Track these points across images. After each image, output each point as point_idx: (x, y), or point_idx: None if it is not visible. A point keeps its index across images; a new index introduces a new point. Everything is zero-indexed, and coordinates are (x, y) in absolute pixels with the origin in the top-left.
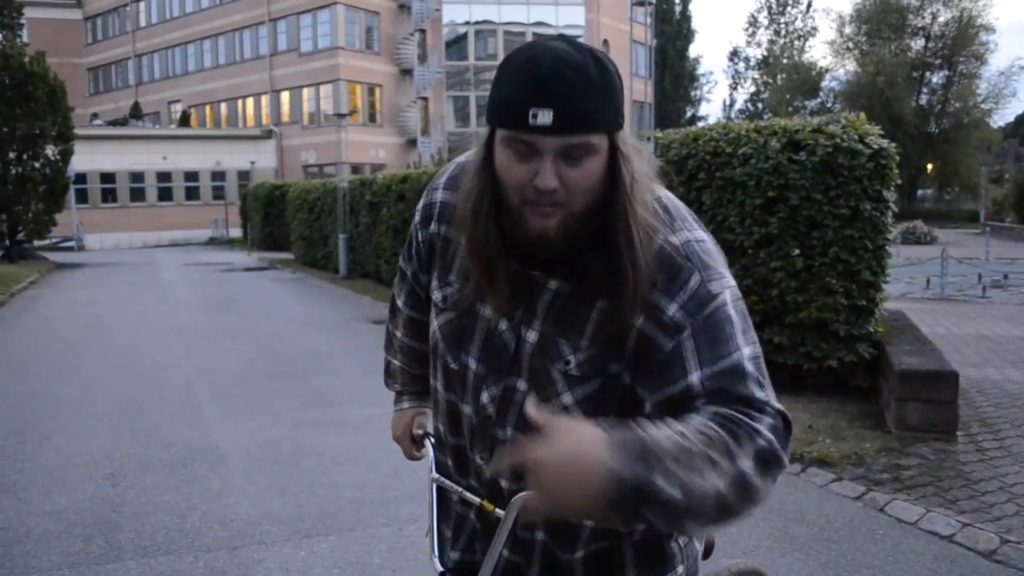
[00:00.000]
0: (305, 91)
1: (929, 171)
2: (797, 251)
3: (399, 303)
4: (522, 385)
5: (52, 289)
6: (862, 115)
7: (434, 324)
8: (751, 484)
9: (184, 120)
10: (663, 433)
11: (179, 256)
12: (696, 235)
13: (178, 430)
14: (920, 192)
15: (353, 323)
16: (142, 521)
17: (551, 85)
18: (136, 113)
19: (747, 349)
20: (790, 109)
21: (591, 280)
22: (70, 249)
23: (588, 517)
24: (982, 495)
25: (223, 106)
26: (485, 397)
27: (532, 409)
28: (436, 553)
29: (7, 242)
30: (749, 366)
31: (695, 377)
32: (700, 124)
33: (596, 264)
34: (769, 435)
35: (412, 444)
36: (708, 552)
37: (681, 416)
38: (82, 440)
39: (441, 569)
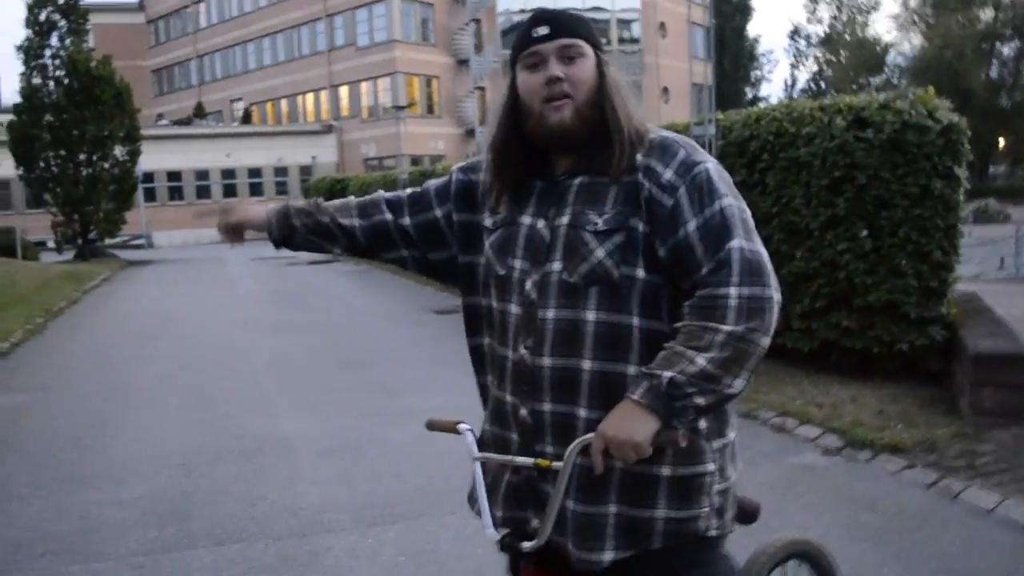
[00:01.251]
0: (363, 85)
1: (1001, 147)
2: (865, 232)
3: (381, 192)
4: (557, 266)
5: (123, 286)
6: (931, 89)
7: (486, 246)
8: (737, 333)
9: (246, 118)
10: (665, 364)
11: (245, 252)
12: (686, 138)
13: (247, 421)
14: (992, 169)
15: (416, 314)
16: (213, 510)
17: (545, 13)
18: (199, 112)
19: (727, 200)
20: (854, 87)
21: (600, 163)
22: (139, 247)
23: (650, 440)
24: None
25: (283, 103)
26: (528, 284)
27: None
28: (490, 524)
29: (79, 241)
30: (731, 211)
31: (690, 225)
32: (761, 105)
33: (601, 150)
34: (738, 290)
35: (432, 421)
36: (753, 517)
37: (690, 275)
38: (154, 432)
39: (498, 536)
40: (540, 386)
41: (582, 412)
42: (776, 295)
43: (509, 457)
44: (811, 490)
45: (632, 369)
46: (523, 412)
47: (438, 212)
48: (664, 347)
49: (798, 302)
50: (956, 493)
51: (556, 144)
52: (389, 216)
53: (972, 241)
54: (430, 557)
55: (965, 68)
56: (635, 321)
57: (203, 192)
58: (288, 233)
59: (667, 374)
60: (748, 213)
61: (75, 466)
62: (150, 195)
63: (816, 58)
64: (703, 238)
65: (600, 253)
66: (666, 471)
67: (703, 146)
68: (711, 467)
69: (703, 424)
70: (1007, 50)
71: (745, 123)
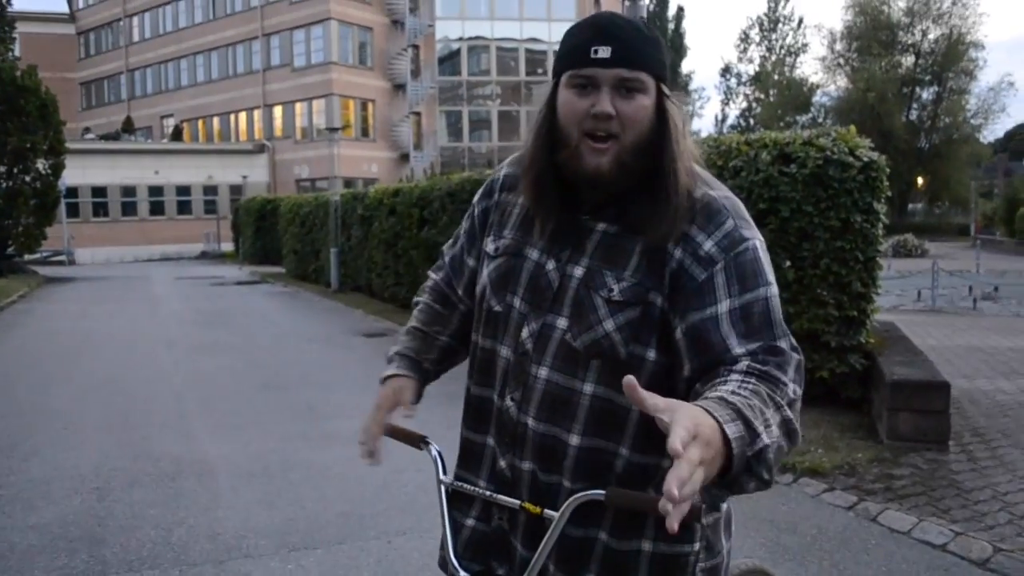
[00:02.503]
0: (298, 106)
1: (919, 185)
2: (788, 263)
3: (434, 276)
4: (561, 323)
5: (42, 303)
6: (852, 128)
7: (483, 275)
8: (793, 427)
9: (176, 134)
10: (736, 398)
11: (170, 270)
12: (732, 195)
13: (166, 444)
14: (911, 206)
15: (344, 336)
16: (128, 535)
17: (610, 28)
18: (128, 127)
19: (771, 289)
20: (781, 124)
21: (637, 219)
22: (60, 263)
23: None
24: (975, 504)
25: (216, 121)
26: (525, 333)
27: (631, 381)
28: (454, 559)
29: (1, 257)
30: (772, 303)
31: (722, 307)
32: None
33: (642, 205)
34: (794, 386)
35: (390, 427)
36: None
37: (703, 357)
38: (69, 454)
39: (465, 574)
40: (523, 444)
41: (566, 482)
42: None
43: (489, 493)
44: (734, 512)
45: (624, 451)
46: (502, 463)
47: (471, 262)
48: (741, 397)
49: None
50: (874, 515)
51: (586, 187)
52: (460, 305)
53: (891, 274)
54: None
55: (887, 110)
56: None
57: (129, 209)
58: (426, 378)
59: (764, 440)
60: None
61: None
62: (73, 210)
63: (746, 96)
64: (736, 324)
65: (609, 325)
66: (647, 546)
67: None
68: (696, 546)
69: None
70: (926, 94)
71: None
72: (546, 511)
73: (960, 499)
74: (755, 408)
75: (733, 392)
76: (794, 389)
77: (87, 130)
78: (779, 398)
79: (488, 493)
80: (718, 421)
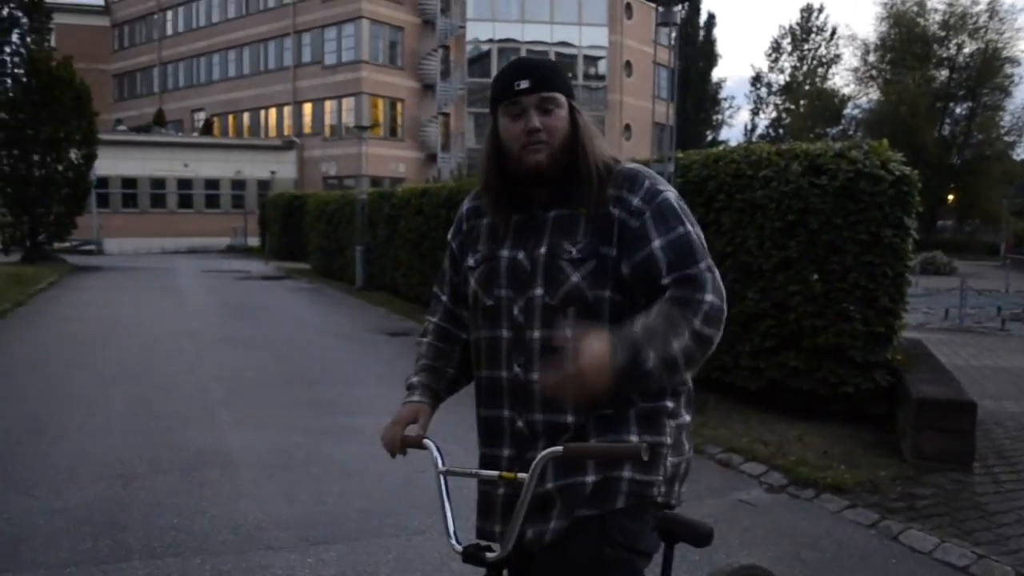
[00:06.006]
0: (327, 103)
1: (950, 202)
2: (816, 276)
3: (432, 319)
4: (539, 291)
5: (70, 291)
6: (885, 142)
7: (471, 284)
8: (703, 335)
9: (207, 128)
10: (639, 324)
11: (197, 263)
12: (643, 167)
13: (189, 434)
14: (940, 223)
15: (367, 334)
16: (150, 522)
17: (527, 66)
18: (159, 120)
19: (688, 226)
20: (811, 136)
21: (574, 197)
22: (89, 252)
23: (598, 394)
24: (998, 527)
25: (246, 116)
26: (515, 310)
27: (557, 337)
28: (453, 536)
29: (28, 243)
30: (692, 236)
31: (656, 243)
32: (721, 147)
33: (574, 187)
34: (709, 299)
35: (404, 437)
36: (706, 540)
37: (650, 285)
38: (94, 440)
39: (460, 548)
40: (533, 399)
41: (569, 419)
42: (726, 307)
43: (473, 470)
44: (754, 526)
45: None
46: (520, 424)
47: (461, 285)
48: (645, 317)
49: (748, 341)
50: (896, 534)
51: (533, 181)
52: (461, 338)
53: (919, 291)
54: None
55: (919, 124)
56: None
57: (158, 201)
58: (437, 402)
59: (651, 356)
60: (705, 242)
61: (8, 472)
62: (103, 201)
63: (776, 106)
64: (667, 255)
65: (575, 278)
66: (633, 438)
67: None
68: (668, 440)
69: (670, 404)
70: (960, 110)
71: (704, 163)
72: (519, 475)
73: (984, 521)
74: (653, 333)
75: (640, 326)
76: (710, 303)
77: (119, 122)
78: (690, 314)
79: (472, 471)
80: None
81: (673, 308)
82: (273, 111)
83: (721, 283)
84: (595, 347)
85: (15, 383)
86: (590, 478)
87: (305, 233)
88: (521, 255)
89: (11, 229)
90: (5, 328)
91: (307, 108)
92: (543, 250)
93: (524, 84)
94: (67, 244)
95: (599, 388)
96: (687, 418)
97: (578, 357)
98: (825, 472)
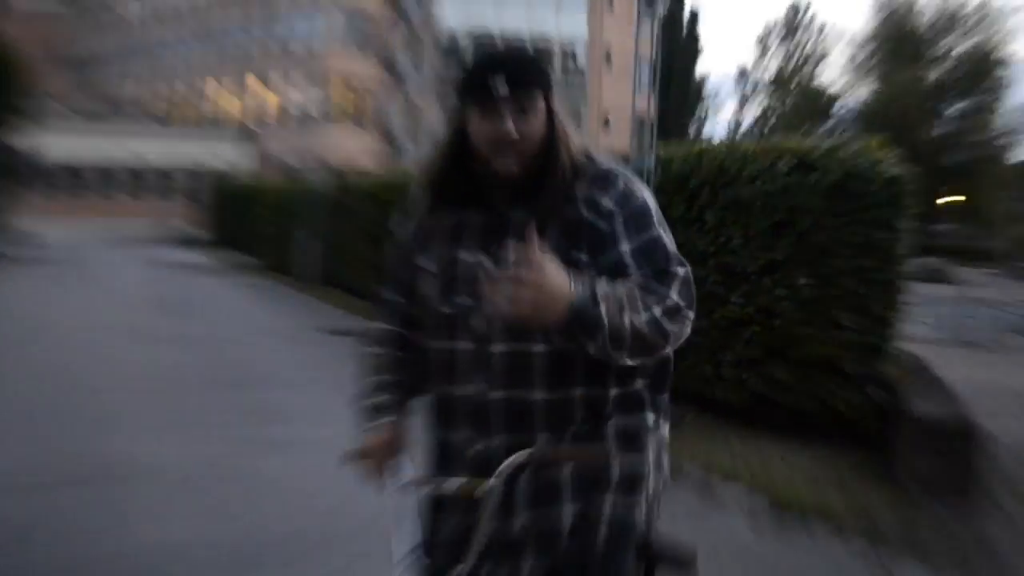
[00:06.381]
0: (291, 90)
1: (944, 205)
2: (805, 279)
3: (385, 325)
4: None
5: None
6: (876, 140)
7: (426, 287)
8: (662, 326)
9: (160, 113)
10: (605, 285)
11: (140, 253)
12: (617, 167)
13: (110, 441)
14: (935, 227)
15: (314, 333)
16: (59, 540)
17: (501, 59)
18: (110, 102)
19: (659, 229)
20: (800, 133)
21: (542, 199)
22: (22, 243)
23: (541, 329)
24: (1009, 567)
25: (203, 101)
26: (475, 322)
27: (517, 247)
28: (400, 553)
29: None
30: (664, 241)
31: (624, 247)
32: (704, 143)
33: (543, 188)
34: (675, 297)
35: (383, 462)
36: (689, 565)
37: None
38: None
39: (400, 555)
40: (495, 420)
41: (537, 439)
42: (692, 314)
43: (434, 480)
44: (735, 555)
45: (579, 391)
46: (478, 447)
47: (392, 296)
48: (618, 285)
49: (731, 349)
50: (890, 569)
51: (499, 185)
52: (404, 330)
53: (915, 299)
54: None
55: (910, 124)
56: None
57: (102, 187)
58: (400, 398)
59: (605, 312)
60: (677, 251)
61: None
62: (45, 186)
63: (762, 103)
64: (637, 259)
65: None
66: (616, 469)
67: (641, 177)
68: (650, 458)
69: (650, 417)
70: (951, 111)
71: (686, 158)
72: (477, 491)
73: (988, 560)
74: (616, 296)
75: (603, 284)
76: (676, 301)
77: (72, 106)
78: (652, 301)
79: (433, 480)
80: (571, 280)
81: (636, 290)
82: (233, 98)
83: (694, 292)
84: (556, 270)
85: None
86: (567, 508)
87: (254, 224)
88: (484, 259)
89: None
90: None
91: (270, 95)
92: (508, 255)
93: (500, 85)
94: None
95: (554, 314)
96: (665, 433)
97: (539, 271)
98: (813, 496)
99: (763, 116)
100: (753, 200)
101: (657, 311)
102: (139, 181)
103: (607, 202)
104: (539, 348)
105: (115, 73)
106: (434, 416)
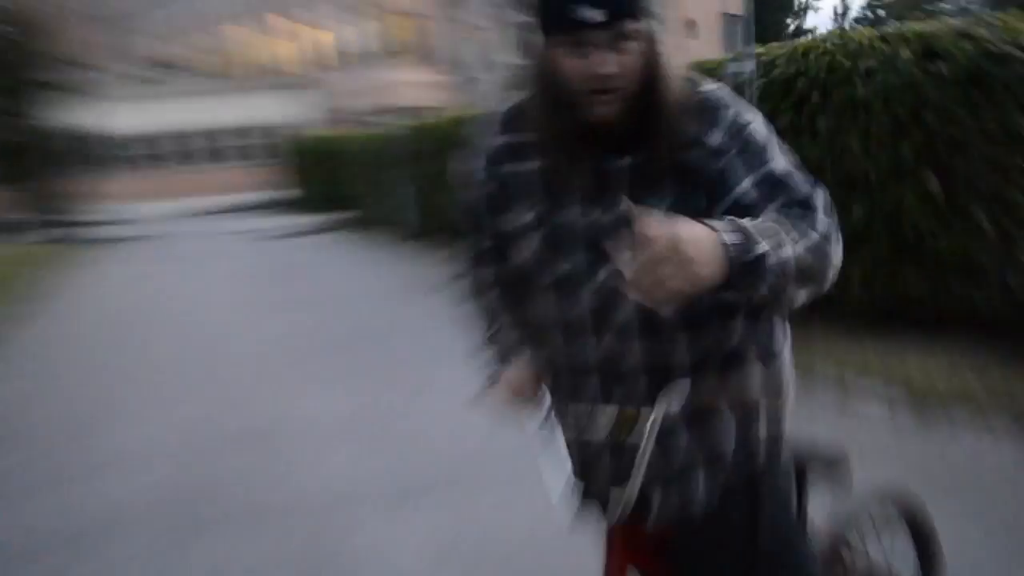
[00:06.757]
0: (350, 30)
1: None
2: (935, 180)
3: (486, 272)
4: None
5: (99, 268)
6: (1018, 12)
7: (532, 246)
8: (825, 250)
9: (216, 70)
10: (753, 221)
11: (228, 224)
12: (717, 86)
13: (257, 404)
14: None
15: (425, 284)
16: (238, 490)
17: None
18: (167, 63)
19: (780, 160)
20: (919, 15)
21: (651, 142)
22: (107, 223)
23: (705, 288)
24: None
25: (257, 51)
26: (602, 276)
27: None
28: (558, 489)
29: (41, 219)
30: (789, 167)
31: (746, 183)
32: (808, 37)
33: (650, 130)
34: (824, 219)
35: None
36: (844, 467)
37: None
38: (160, 420)
39: (577, 503)
40: (633, 373)
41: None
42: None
43: (583, 413)
44: (875, 442)
45: (714, 322)
46: (612, 407)
47: (487, 242)
48: (761, 219)
49: (857, 264)
50: None
51: (597, 134)
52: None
53: None
54: (470, 530)
55: None
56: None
57: (177, 158)
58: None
59: (763, 246)
60: (796, 164)
61: (78, 459)
62: (116, 162)
63: None
64: (764, 192)
65: None
66: (760, 384)
67: (740, 87)
68: (791, 376)
69: (780, 333)
70: None
71: (791, 57)
72: (643, 409)
73: None
74: (766, 229)
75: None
76: (824, 221)
77: (123, 67)
78: (806, 226)
79: (589, 408)
80: (715, 230)
81: (783, 219)
82: (292, 45)
83: (833, 207)
84: (689, 227)
85: (56, 372)
86: (728, 426)
87: (344, 179)
88: (598, 213)
89: (31, 203)
90: (31, 321)
91: (328, 38)
92: (625, 207)
93: (595, 16)
94: (82, 218)
95: (713, 274)
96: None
97: (677, 238)
98: (952, 383)
99: None
100: (872, 99)
101: (815, 236)
102: (207, 146)
103: (716, 138)
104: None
105: (148, 31)
106: (555, 382)
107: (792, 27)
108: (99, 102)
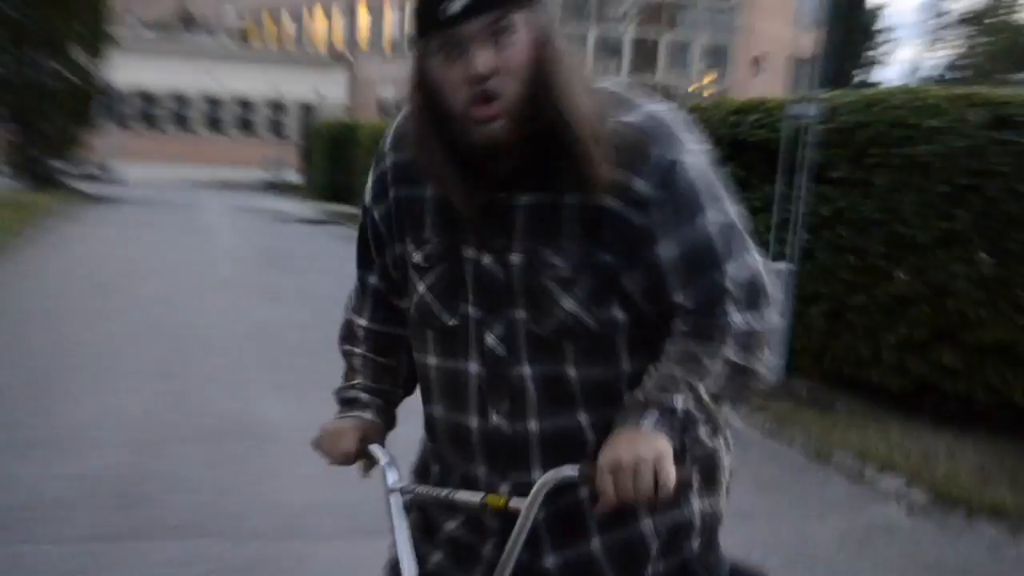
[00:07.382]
0: (388, 10)
1: None
2: (986, 255)
3: (361, 322)
4: (521, 315)
5: (79, 224)
6: None
7: (420, 289)
8: (740, 364)
9: (239, 34)
10: (656, 381)
11: (227, 199)
12: (649, 108)
13: (221, 399)
14: None
15: None
16: (177, 497)
17: None
18: (184, 19)
19: (711, 213)
20: (995, 78)
21: (554, 173)
22: (102, 179)
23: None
24: None
25: (287, 21)
26: (491, 340)
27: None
28: (412, 571)
29: (29, 164)
30: (713, 228)
31: (663, 250)
32: (879, 88)
33: (554, 159)
34: (737, 317)
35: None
36: None
37: (661, 303)
38: (109, 400)
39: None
40: (526, 454)
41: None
42: (776, 316)
43: (446, 490)
44: (891, 551)
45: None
46: (504, 488)
47: (395, 273)
48: (655, 369)
49: (893, 331)
50: None
51: (487, 160)
52: (385, 328)
53: None
54: None
55: None
56: (624, 366)
57: (181, 121)
58: (381, 404)
59: (679, 403)
60: (735, 211)
61: (10, 433)
62: (118, 118)
63: (950, 41)
64: (679, 264)
65: (569, 304)
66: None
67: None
68: (728, 441)
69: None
70: None
71: (856, 107)
72: (512, 501)
73: None
74: (671, 379)
75: (651, 382)
76: (742, 320)
77: (133, 18)
78: (715, 347)
79: (444, 490)
80: (631, 424)
81: (690, 343)
82: (321, 17)
83: (754, 277)
84: (629, 444)
85: (18, 332)
86: (647, 525)
87: (356, 170)
88: (488, 260)
89: (18, 150)
90: (3, 266)
91: (362, 16)
92: (516, 259)
93: (455, 6)
94: (75, 169)
95: (657, 460)
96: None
97: (619, 464)
98: (981, 491)
99: (954, 59)
100: (933, 160)
101: (728, 352)
102: (216, 114)
103: (640, 184)
104: (572, 372)
105: None
106: (440, 443)
107: (858, 79)
108: (105, 46)
